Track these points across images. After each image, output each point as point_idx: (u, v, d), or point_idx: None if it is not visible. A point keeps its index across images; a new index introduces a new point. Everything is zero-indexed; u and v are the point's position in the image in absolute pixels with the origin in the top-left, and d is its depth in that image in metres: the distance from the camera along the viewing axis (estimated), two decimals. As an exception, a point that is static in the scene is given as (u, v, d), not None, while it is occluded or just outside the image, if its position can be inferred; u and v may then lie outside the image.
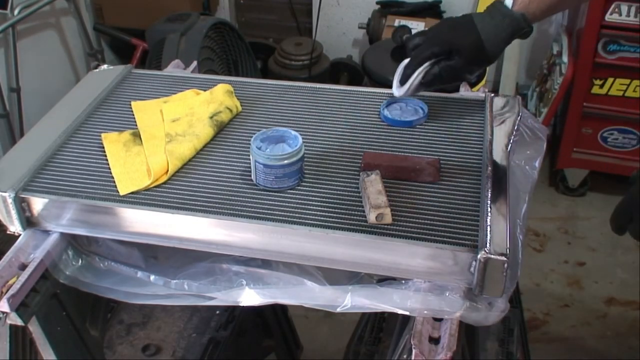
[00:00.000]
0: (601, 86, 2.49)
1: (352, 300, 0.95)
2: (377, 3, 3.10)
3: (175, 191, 1.02)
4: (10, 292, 0.95)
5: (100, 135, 1.14)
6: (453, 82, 1.12)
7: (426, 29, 1.16)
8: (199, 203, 0.99)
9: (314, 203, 0.99)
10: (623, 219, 1.04)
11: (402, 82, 1.11)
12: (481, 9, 3.04)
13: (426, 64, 1.08)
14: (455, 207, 0.97)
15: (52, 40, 2.96)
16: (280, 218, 0.96)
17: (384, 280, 0.97)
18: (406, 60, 1.11)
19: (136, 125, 1.18)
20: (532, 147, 1.14)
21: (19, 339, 1.07)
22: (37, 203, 1.02)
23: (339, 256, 0.95)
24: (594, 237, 2.57)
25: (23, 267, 1.00)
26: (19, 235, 1.05)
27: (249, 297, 0.99)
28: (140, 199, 1.01)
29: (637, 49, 2.38)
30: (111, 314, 1.58)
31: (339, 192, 1.01)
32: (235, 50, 2.88)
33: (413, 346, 0.88)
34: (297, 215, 0.96)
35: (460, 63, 1.07)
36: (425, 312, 0.92)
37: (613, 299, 2.28)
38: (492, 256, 0.86)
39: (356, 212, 0.96)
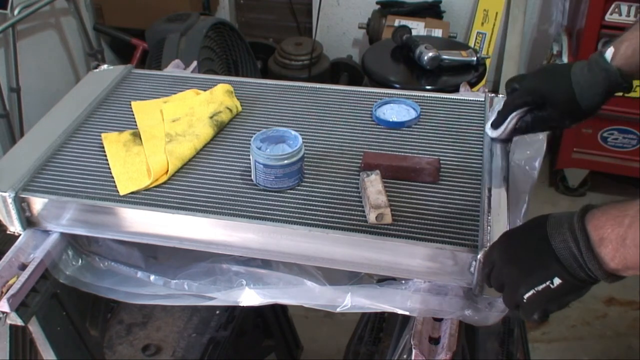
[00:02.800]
0: (601, 86, 2.49)
1: (352, 300, 0.95)
2: (377, 3, 3.10)
3: (175, 191, 1.02)
4: (10, 292, 0.95)
5: (100, 135, 1.14)
6: (546, 130, 1.09)
7: (522, 73, 1.11)
8: (199, 203, 0.99)
9: (314, 203, 0.99)
10: (488, 265, 0.87)
11: (496, 123, 1.08)
12: (481, 9, 3.06)
13: (519, 111, 1.04)
14: (455, 207, 0.97)
15: (52, 40, 2.96)
16: (280, 218, 0.96)
17: (384, 280, 0.97)
18: (501, 103, 1.08)
19: (136, 125, 1.18)
20: (532, 147, 1.14)
21: (19, 339, 1.07)
22: (37, 203, 1.02)
23: (339, 256, 0.95)
24: (594, 237, 2.56)
25: (23, 267, 1.00)
26: (19, 235, 1.05)
27: (249, 297, 1.00)
28: (140, 199, 1.01)
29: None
30: (111, 314, 1.58)
31: (339, 192, 1.01)
32: (235, 50, 2.88)
33: (413, 346, 0.88)
34: (297, 215, 0.96)
35: (552, 115, 1.02)
36: (425, 312, 0.92)
37: (613, 299, 2.28)
38: (492, 256, 0.86)
39: (356, 212, 0.96)
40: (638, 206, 0.70)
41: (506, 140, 1.11)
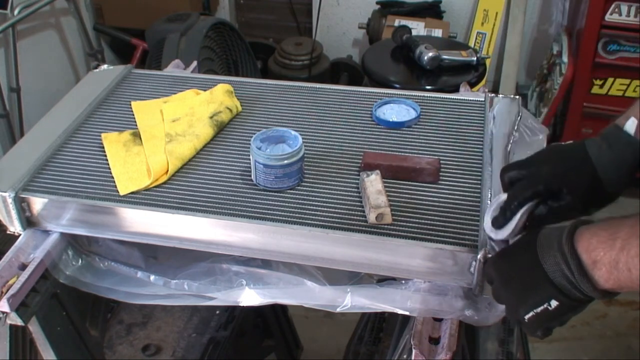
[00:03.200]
0: (601, 86, 2.49)
1: (352, 300, 0.95)
2: (377, 3, 3.10)
3: (175, 191, 1.02)
4: (10, 292, 0.95)
5: (100, 135, 1.14)
6: (563, 221, 0.86)
7: (526, 157, 0.90)
8: (199, 203, 0.99)
9: (314, 203, 0.98)
10: (487, 278, 0.86)
11: (499, 223, 0.86)
12: (481, 9, 3.06)
13: (529, 205, 0.84)
14: (455, 207, 0.97)
15: (52, 40, 2.96)
16: (280, 218, 0.96)
17: (384, 280, 0.97)
18: (502, 197, 0.88)
19: (136, 125, 1.18)
20: (532, 147, 1.14)
21: (19, 339, 1.07)
22: (37, 203, 1.02)
23: (339, 256, 0.95)
24: (594, 237, 2.56)
25: (23, 267, 1.00)
26: (19, 235, 1.05)
27: (249, 297, 1.00)
28: (140, 199, 1.00)
29: (637, 49, 2.38)
30: (111, 314, 1.58)
31: (339, 192, 1.01)
32: (235, 50, 2.88)
33: (413, 346, 0.88)
34: (297, 215, 0.96)
35: (572, 204, 0.84)
36: (425, 312, 0.92)
37: (613, 299, 2.28)
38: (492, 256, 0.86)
39: (356, 212, 0.96)
40: (627, 227, 0.69)
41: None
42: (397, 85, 2.01)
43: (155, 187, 1.03)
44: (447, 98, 1.24)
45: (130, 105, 1.24)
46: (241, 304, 1.00)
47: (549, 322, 0.77)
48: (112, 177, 1.04)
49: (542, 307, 0.75)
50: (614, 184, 0.85)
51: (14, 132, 2.61)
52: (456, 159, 1.08)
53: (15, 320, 0.98)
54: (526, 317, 0.77)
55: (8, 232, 1.06)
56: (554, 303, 0.74)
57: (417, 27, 2.86)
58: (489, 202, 0.96)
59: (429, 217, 0.95)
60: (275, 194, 1.00)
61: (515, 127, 1.12)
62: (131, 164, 1.06)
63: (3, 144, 2.59)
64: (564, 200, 0.84)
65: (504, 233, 0.86)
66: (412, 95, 1.24)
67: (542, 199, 0.85)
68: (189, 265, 1.04)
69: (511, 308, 0.80)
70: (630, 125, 0.85)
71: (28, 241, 1.04)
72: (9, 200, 1.01)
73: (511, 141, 1.10)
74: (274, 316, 1.79)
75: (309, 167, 1.05)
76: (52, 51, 2.97)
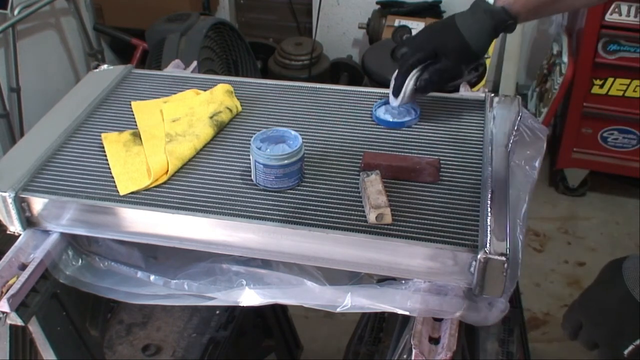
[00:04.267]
0: (601, 86, 2.49)
1: (352, 300, 0.95)
2: (377, 3, 3.10)
3: (175, 191, 1.02)
4: (10, 292, 0.95)
5: (100, 135, 1.14)
6: (447, 84, 1.11)
7: (409, 36, 1.20)
8: (199, 203, 0.99)
9: (314, 203, 0.99)
10: (573, 324, 0.90)
11: (395, 93, 1.11)
12: (481, 9, 3.06)
13: (414, 71, 1.08)
14: (455, 207, 0.97)
15: (52, 40, 2.96)
16: (280, 218, 0.96)
17: (384, 280, 0.97)
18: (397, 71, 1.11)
19: (136, 125, 1.18)
20: (532, 147, 1.14)
21: (19, 339, 1.07)
22: (37, 203, 1.02)
23: (339, 256, 0.95)
24: (594, 237, 2.57)
25: (23, 267, 1.00)
26: (19, 235, 1.05)
27: (249, 297, 0.99)
28: (140, 199, 1.01)
29: (637, 49, 2.38)
30: (111, 314, 1.58)
31: (339, 192, 1.01)
32: (235, 50, 2.88)
33: (413, 346, 0.88)
34: (297, 215, 0.96)
35: (447, 65, 1.07)
36: (425, 312, 0.92)
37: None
38: (492, 256, 0.86)
39: (356, 212, 0.96)
40: None
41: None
42: (397, 85, 2.01)
43: (155, 187, 1.03)
44: (447, 98, 1.24)
45: (130, 105, 1.24)
46: (241, 304, 1.00)
47: None
48: (112, 177, 1.04)
49: None
50: (479, 43, 1.05)
51: (14, 132, 2.61)
52: (456, 159, 1.08)
53: (15, 320, 0.98)
54: (626, 352, 0.77)
55: (8, 232, 1.06)
56: None
57: (417, 27, 2.86)
58: (489, 202, 0.96)
59: (429, 217, 0.95)
60: (275, 194, 1.00)
61: (515, 127, 1.12)
62: (131, 164, 1.06)
63: (3, 144, 2.59)
64: (440, 62, 1.06)
65: (398, 99, 1.09)
66: (412, 95, 1.24)
67: (425, 65, 1.07)
68: (189, 265, 1.04)
69: (610, 347, 0.80)
70: None
71: (28, 241, 1.04)
72: (9, 200, 1.01)
73: (511, 141, 1.10)
74: (274, 316, 1.79)
75: (309, 167, 1.05)
76: (52, 51, 2.97)
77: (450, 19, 1.07)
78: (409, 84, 1.08)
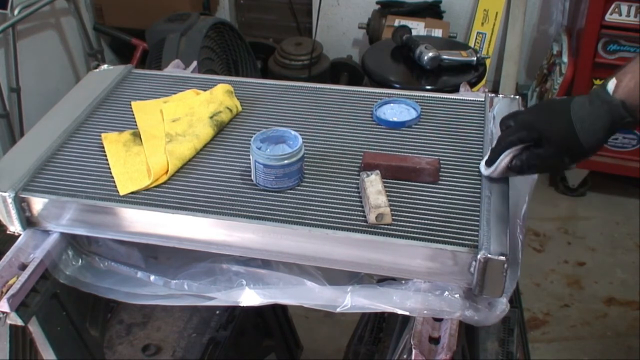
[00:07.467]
0: (601, 86, 2.49)
1: (352, 300, 0.95)
2: (377, 3, 3.10)
3: (175, 191, 1.02)
4: (10, 292, 0.95)
5: (100, 135, 1.14)
6: (545, 172, 1.03)
7: (517, 110, 1.06)
8: (199, 203, 0.99)
9: (314, 203, 0.99)
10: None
11: (489, 162, 1.00)
12: (481, 9, 3.06)
13: (513, 149, 0.97)
14: (455, 207, 0.97)
15: (52, 40, 2.96)
16: (280, 218, 0.96)
17: (384, 280, 0.97)
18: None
19: (136, 125, 1.18)
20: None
21: (19, 339, 1.07)
22: (37, 203, 1.02)
23: (339, 256, 0.95)
24: (594, 237, 2.57)
25: (23, 267, 1.00)
26: (19, 235, 1.05)
27: (249, 297, 0.99)
28: (140, 199, 1.01)
29: (637, 49, 2.38)
30: (111, 314, 1.58)
31: (339, 192, 1.01)
32: (235, 50, 2.88)
33: (413, 346, 0.88)
34: (297, 215, 0.96)
35: (549, 153, 0.94)
36: (425, 312, 0.92)
37: (613, 299, 2.28)
38: (492, 256, 0.86)
39: (356, 212, 0.96)
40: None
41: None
42: (397, 85, 2.01)
43: (155, 187, 1.03)
44: (447, 98, 1.24)
45: (130, 105, 1.24)
46: (241, 304, 1.00)
47: None
48: (112, 177, 1.04)
49: None
50: (589, 139, 0.92)
51: (14, 132, 2.61)
52: (456, 159, 1.08)
53: (15, 320, 0.98)
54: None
55: (8, 232, 1.06)
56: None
57: (417, 27, 2.86)
58: (489, 202, 0.96)
59: (429, 217, 0.95)
60: (275, 194, 1.00)
61: (515, 127, 1.12)
62: (131, 164, 1.06)
63: (3, 144, 2.59)
64: (542, 148, 0.95)
65: (489, 170, 1.00)
66: (412, 95, 1.24)
67: (527, 145, 0.96)
68: (189, 265, 1.04)
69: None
70: (610, 85, 0.91)
71: (28, 241, 1.04)
72: (9, 200, 1.01)
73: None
74: (274, 316, 1.79)
75: (309, 167, 1.05)
76: (52, 51, 2.97)
77: (566, 102, 0.95)
78: (504, 159, 0.98)
